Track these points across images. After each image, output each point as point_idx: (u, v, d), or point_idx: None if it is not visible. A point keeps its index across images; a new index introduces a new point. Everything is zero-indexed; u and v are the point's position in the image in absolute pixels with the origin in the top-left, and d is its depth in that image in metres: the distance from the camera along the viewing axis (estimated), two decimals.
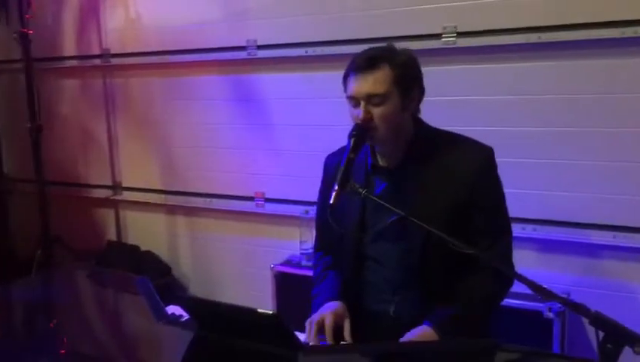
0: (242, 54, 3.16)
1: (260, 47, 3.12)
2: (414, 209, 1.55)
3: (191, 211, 3.55)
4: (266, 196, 3.27)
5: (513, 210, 1.76)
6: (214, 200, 3.42)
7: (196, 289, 3.61)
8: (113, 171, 3.77)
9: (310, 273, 2.81)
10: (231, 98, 3.28)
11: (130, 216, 3.82)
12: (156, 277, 3.35)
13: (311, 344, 1.58)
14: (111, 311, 2.13)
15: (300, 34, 3.00)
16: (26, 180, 3.84)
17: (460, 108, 2.66)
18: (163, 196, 3.60)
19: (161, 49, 3.41)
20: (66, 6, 3.71)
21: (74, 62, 3.74)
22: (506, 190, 1.73)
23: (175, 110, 3.48)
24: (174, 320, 1.72)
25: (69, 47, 3.75)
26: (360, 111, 1.63)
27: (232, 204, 3.36)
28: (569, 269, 2.59)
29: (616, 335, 1.23)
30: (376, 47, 1.72)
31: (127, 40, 3.54)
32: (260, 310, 1.33)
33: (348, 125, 1.69)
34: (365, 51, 1.69)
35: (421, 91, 1.71)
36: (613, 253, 2.51)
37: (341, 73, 1.72)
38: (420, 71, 1.71)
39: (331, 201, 1.54)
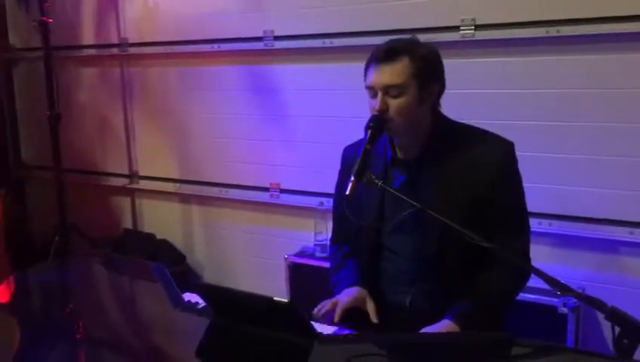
0: (259, 45, 3.16)
1: (276, 38, 3.13)
2: (432, 202, 1.55)
3: (206, 200, 3.57)
4: (281, 187, 3.28)
5: (529, 204, 1.76)
6: (230, 190, 3.43)
7: (210, 278, 3.63)
8: (130, 160, 3.80)
9: (324, 264, 2.84)
10: (247, 88, 3.29)
11: (146, 205, 3.85)
12: (171, 265, 3.37)
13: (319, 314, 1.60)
14: (127, 298, 2.16)
15: (318, 25, 3.00)
16: (44, 168, 3.88)
17: (478, 101, 2.64)
18: (178, 185, 3.63)
19: (178, 39, 3.42)
20: None
21: (92, 51, 3.77)
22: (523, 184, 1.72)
23: (191, 100, 3.49)
24: (191, 307, 1.74)
25: (88, 36, 3.77)
26: (377, 102, 1.63)
27: (247, 195, 3.38)
28: (584, 265, 2.57)
29: (632, 331, 1.23)
30: (399, 39, 1.72)
31: (145, 29, 3.56)
32: (275, 298, 1.34)
33: (364, 117, 1.69)
34: (387, 42, 1.69)
35: (441, 85, 1.71)
36: (630, 249, 2.49)
37: (358, 65, 1.73)
38: (440, 65, 1.71)
39: (347, 192, 1.54)
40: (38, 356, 1.56)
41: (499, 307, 1.67)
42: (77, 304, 2.00)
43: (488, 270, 1.64)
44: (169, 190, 3.66)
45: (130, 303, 2.08)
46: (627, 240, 2.47)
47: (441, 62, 1.71)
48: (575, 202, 2.55)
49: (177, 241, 3.67)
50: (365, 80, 1.68)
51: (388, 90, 1.62)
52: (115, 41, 3.67)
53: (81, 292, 2.12)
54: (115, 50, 3.67)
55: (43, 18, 3.31)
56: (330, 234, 2.07)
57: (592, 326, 2.47)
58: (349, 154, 1.84)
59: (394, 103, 1.63)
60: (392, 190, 1.61)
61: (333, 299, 1.67)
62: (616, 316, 1.26)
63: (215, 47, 3.30)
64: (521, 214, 1.72)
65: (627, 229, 2.46)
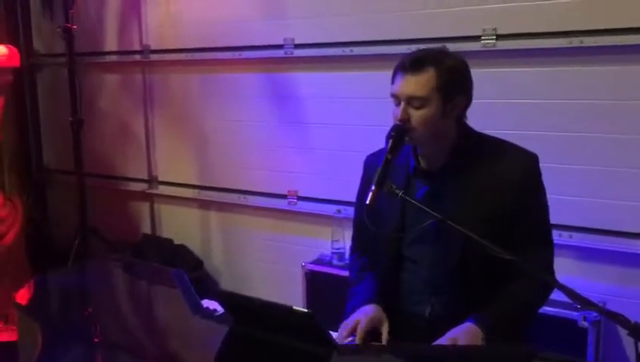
0: (279, 53, 3.18)
1: (297, 46, 3.14)
2: (455, 213, 1.54)
3: (224, 207, 3.59)
4: (299, 194, 3.28)
5: (551, 216, 1.74)
6: (247, 196, 3.44)
7: (227, 284, 3.64)
8: (149, 165, 3.84)
9: (341, 272, 2.84)
10: (267, 96, 3.31)
11: (164, 210, 3.88)
12: (188, 270, 3.38)
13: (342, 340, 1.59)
14: (146, 303, 2.17)
15: (338, 33, 3.00)
16: (65, 172, 3.94)
17: (498, 111, 2.62)
18: (197, 191, 3.65)
19: (199, 46, 3.45)
20: (108, 2, 3.78)
21: (115, 58, 3.82)
22: None
23: (211, 106, 3.52)
24: (210, 314, 1.75)
25: (111, 43, 3.82)
26: (399, 111, 1.63)
27: (265, 201, 3.39)
28: (605, 278, 2.53)
29: None
30: (428, 49, 1.70)
31: (167, 36, 3.59)
32: (295, 307, 1.34)
33: (383, 126, 1.68)
34: (416, 51, 1.68)
35: (467, 98, 1.69)
36: None
37: (378, 73, 1.73)
38: (467, 78, 1.69)
39: (367, 201, 1.54)
40: (57, 358, 1.58)
41: (522, 318, 1.66)
42: (96, 307, 2.01)
43: (513, 282, 1.62)
44: (188, 196, 3.68)
45: (149, 308, 2.09)
46: None
47: (468, 75, 1.69)
48: (596, 214, 2.51)
49: (195, 247, 3.69)
50: (391, 87, 1.67)
51: (411, 100, 1.61)
52: (137, 47, 3.71)
53: (100, 295, 2.13)
54: (137, 57, 3.71)
55: (67, 25, 3.37)
56: (347, 243, 2.07)
57: (613, 340, 2.44)
58: (371, 162, 1.84)
59: (416, 114, 1.62)
60: (412, 200, 1.60)
61: (352, 323, 1.64)
62: (639, 331, 1.24)
63: (236, 54, 3.33)
64: (545, 227, 1.71)
65: None
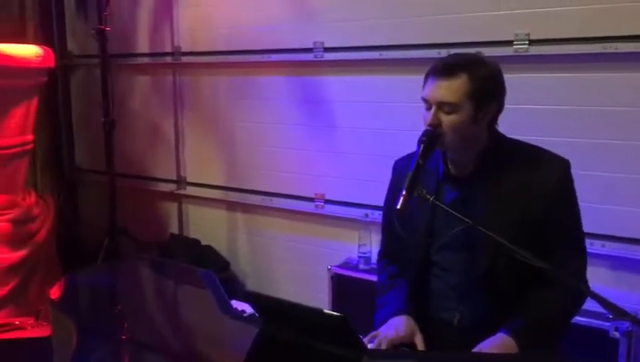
0: (309, 56, 3.19)
1: (326, 50, 3.15)
2: (484, 219, 1.53)
3: (251, 208, 3.61)
4: (326, 197, 3.28)
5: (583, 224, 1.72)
6: (275, 198, 3.46)
7: (253, 286, 3.66)
8: (178, 166, 3.88)
9: (367, 276, 2.84)
10: (296, 99, 3.32)
11: (192, 211, 3.91)
12: (216, 271, 3.40)
13: None
14: (175, 302, 2.19)
15: (368, 37, 3.00)
16: (97, 171, 4.00)
17: (530, 117, 2.59)
18: (225, 192, 3.67)
19: (230, 49, 3.48)
20: (141, 4, 3.84)
21: (146, 60, 3.87)
22: None
23: (240, 109, 3.54)
24: (239, 314, 1.76)
25: (143, 45, 3.88)
26: (430, 115, 1.62)
27: (291, 204, 3.40)
28: (639, 288, 2.49)
29: None
30: (461, 54, 1.69)
31: (198, 39, 3.63)
32: (326, 310, 1.34)
33: (412, 130, 1.68)
34: (449, 56, 1.68)
35: (499, 105, 1.67)
36: None
37: (408, 77, 1.73)
38: (500, 85, 1.67)
39: (398, 206, 1.53)
40: (91, 356, 1.61)
41: (556, 327, 1.63)
42: (126, 306, 2.04)
43: (546, 289, 1.60)
44: (215, 197, 3.71)
45: (179, 308, 2.11)
46: None
47: (501, 83, 1.67)
48: (630, 223, 2.47)
49: (222, 248, 3.72)
50: (422, 90, 1.66)
51: (441, 105, 1.60)
52: (168, 49, 3.75)
53: (130, 294, 2.16)
54: (168, 59, 3.76)
55: (101, 26, 3.42)
56: (374, 247, 2.07)
57: None
58: (400, 167, 1.83)
59: (447, 119, 1.61)
60: (443, 206, 1.59)
61: (381, 336, 1.63)
62: None
63: (265, 57, 3.35)
64: (577, 234, 1.68)
65: None
